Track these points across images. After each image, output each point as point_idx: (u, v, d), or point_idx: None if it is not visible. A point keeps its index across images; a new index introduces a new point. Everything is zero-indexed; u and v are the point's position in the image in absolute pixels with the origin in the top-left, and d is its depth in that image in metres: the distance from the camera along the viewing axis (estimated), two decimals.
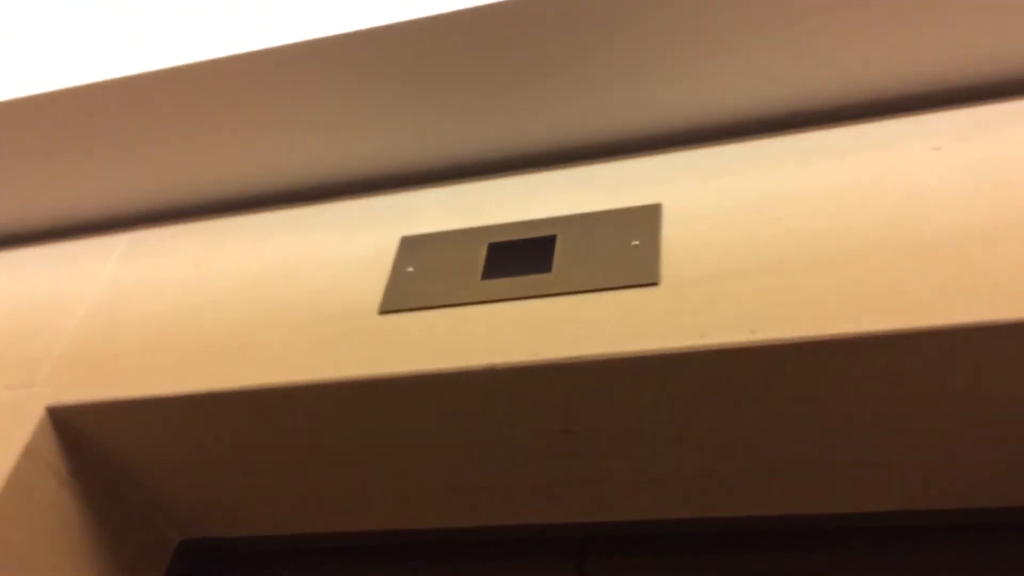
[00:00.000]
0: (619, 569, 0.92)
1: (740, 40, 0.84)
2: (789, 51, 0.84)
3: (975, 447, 0.76)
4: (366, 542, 1.02)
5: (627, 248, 0.83)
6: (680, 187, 0.87)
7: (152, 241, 1.06)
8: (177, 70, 0.94)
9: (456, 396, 0.82)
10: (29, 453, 0.87)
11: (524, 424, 0.84)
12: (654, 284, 0.79)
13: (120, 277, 1.02)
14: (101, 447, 0.93)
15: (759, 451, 0.80)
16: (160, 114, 0.99)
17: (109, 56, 0.96)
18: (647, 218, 0.85)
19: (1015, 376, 0.70)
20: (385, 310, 0.86)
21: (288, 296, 0.92)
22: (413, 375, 0.80)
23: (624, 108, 0.90)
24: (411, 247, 0.91)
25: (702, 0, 0.82)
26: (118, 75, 0.95)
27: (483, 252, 0.88)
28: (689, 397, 0.78)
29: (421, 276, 0.88)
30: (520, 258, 0.86)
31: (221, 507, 1.02)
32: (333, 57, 0.91)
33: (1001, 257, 0.70)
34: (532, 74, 0.89)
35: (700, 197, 0.85)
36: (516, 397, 0.81)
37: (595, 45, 0.86)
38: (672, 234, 0.83)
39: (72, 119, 1.01)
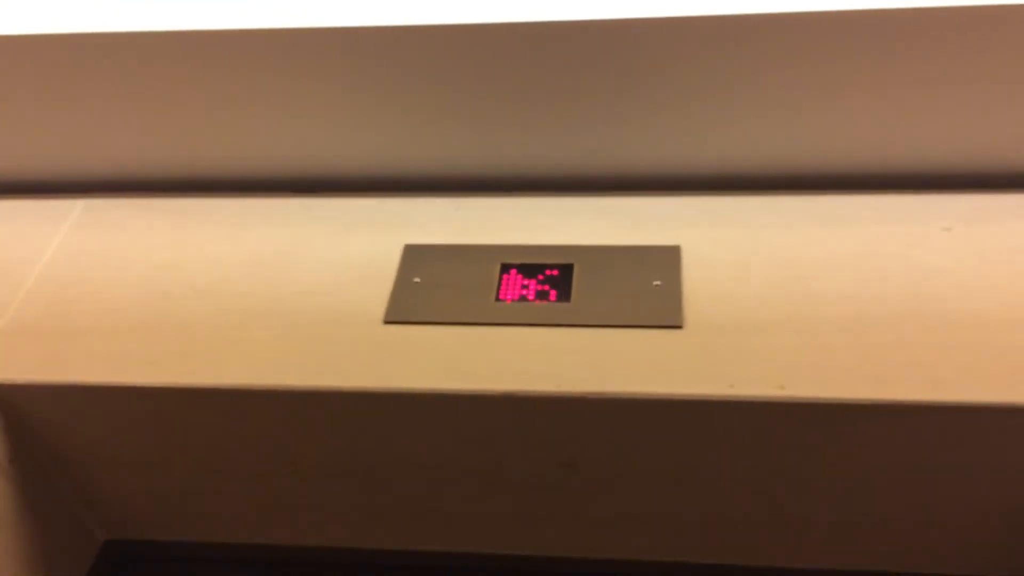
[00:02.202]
0: None
1: (770, 104, 0.86)
2: (815, 120, 0.87)
3: (983, 517, 0.80)
4: (310, 557, 0.97)
5: (648, 287, 0.82)
6: (697, 232, 0.87)
7: (112, 211, 0.97)
8: (173, 35, 0.87)
9: (463, 419, 0.79)
10: None
11: (523, 455, 0.82)
12: (678, 327, 0.79)
13: (74, 247, 0.93)
14: (44, 434, 0.84)
15: (758, 501, 0.82)
16: (137, 76, 0.91)
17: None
18: (667, 259, 0.85)
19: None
20: (391, 320, 0.82)
21: (275, 293, 0.86)
22: (424, 393, 0.77)
23: (647, 146, 0.90)
24: (416, 256, 0.87)
25: (745, 67, 0.83)
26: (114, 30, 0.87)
27: (496, 271, 0.85)
28: (703, 443, 0.78)
29: (429, 289, 0.84)
30: (536, 283, 0.84)
31: (153, 509, 0.95)
32: (353, 49, 0.86)
33: (1017, 344, 0.74)
34: (561, 97, 0.88)
35: (718, 244, 0.86)
36: (525, 426, 0.79)
37: (626, 78, 0.86)
38: (691, 278, 0.83)
39: (31, 66, 0.91)
